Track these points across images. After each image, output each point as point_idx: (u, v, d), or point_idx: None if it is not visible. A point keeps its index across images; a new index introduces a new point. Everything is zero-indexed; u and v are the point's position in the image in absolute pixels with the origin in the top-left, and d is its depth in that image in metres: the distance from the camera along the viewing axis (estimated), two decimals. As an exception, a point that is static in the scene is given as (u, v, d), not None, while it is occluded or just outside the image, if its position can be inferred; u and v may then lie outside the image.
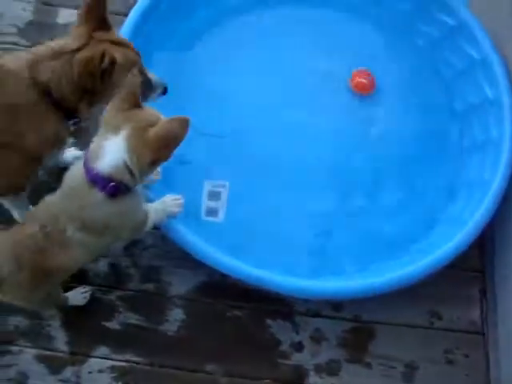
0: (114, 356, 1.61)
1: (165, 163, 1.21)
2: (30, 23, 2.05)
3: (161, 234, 1.67)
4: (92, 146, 1.19)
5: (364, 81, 1.94)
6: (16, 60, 1.30)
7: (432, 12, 1.95)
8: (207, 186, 1.76)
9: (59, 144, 1.43)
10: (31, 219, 1.28)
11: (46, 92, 1.29)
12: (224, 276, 1.64)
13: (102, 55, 1.26)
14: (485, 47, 1.82)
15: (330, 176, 1.83)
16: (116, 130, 1.15)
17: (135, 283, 1.68)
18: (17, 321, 1.62)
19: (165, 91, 1.49)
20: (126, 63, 1.31)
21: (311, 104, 1.92)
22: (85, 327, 1.63)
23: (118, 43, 1.33)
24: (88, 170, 1.17)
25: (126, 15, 1.98)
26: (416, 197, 1.82)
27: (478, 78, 1.85)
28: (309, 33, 2.01)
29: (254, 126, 1.85)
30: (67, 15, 2.06)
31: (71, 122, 1.38)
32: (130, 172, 1.17)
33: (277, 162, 1.82)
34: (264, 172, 1.79)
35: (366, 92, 1.94)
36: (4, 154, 1.33)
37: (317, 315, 1.69)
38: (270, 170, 1.80)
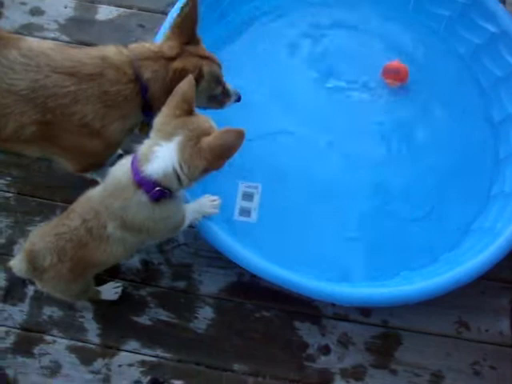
0: (143, 351, 1.64)
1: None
2: (70, 19, 2.09)
3: (194, 232, 1.70)
4: (143, 148, 1.21)
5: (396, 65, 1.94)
6: (119, 54, 1.38)
7: (473, 18, 1.92)
8: (241, 187, 1.77)
9: (132, 133, 1.51)
10: (73, 212, 1.31)
11: (143, 88, 1.37)
12: (254, 277, 1.66)
13: (200, 70, 1.39)
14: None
15: (361, 181, 1.83)
16: (169, 136, 1.17)
17: (167, 280, 1.71)
18: (51, 311, 1.67)
19: (239, 99, 1.60)
20: (211, 76, 1.45)
21: (345, 107, 1.92)
22: (116, 321, 1.67)
23: (206, 57, 1.44)
24: (136, 171, 1.18)
25: (163, 13, 2.02)
26: (449, 206, 1.81)
27: (517, 86, 1.82)
28: (343, 37, 2.02)
29: (288, 130, 1.87)
30: (107, 12, 2.09)
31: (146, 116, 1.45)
32: (179, 179, 1.18)
33: (310, 166, 1.83)
34: (296, 175, 1.80)
35: (398, 81, 1.94)
36: (89, 140, 1.41)
37: (345, 319, 1.69)
38: (303, 173, 1.81)
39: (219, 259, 1.69)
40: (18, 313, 1.67)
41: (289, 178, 1.79)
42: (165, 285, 1.71)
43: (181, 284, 1.71)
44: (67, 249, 1.29)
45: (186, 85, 1.21)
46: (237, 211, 1.75)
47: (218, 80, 1.49)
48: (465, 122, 1.92)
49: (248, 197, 1.77)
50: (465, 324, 1.70)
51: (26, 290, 1.69)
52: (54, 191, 1.81)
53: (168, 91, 1.27)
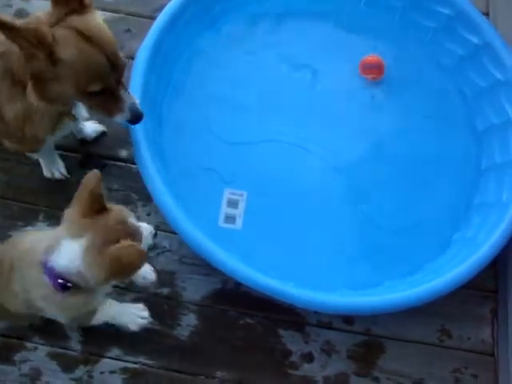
0: (125, 358, 1.62)
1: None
2: None
3: (178, 239, 1.69)
4: (53, 234, 1.15)
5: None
6: None
7: (457, 30, 1.95)
8: (226, 194, 1.77)
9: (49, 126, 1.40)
10: None
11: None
12: (238, 284, 1.66)
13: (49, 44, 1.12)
14: (509, 68, 1.82)
15: (346, 190, 1.84)
16: (76, 235, 1.10)
17: (150, 286, 1.69)
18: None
19: (135, 119, 1.36)
20: (77, 59, 1.17)
21: (332, 115, 1.94)
22: (98, 328, 1.64)
23: (86, 36, 1.17)
24: (44, 256, 1.13)
25: (151, 18, 2.02)
26: (431, 216, 1.82)
27: (500, 98, 1.85)
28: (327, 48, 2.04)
29: (274, 138, 1.87)
30: None
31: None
32: (84, 279, 1.12)
33: (293, 174, 1.83)
34: (282, 182, 1.81)
35: (375, 75, 1.98)
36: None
37: (328, 327, 1.70)
38: (288, 180, 1.81)
39: (203, 266, 1.69)
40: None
41: (274, 186, 1.79)
42: (148, 291, 1.69)
43: (164, 290, 1.70)
44: None
45: (91, 181, 1.12)
46: (221, 218, 1.75)
47: (94, 70, 1.20)
48: (448, 131, 1.94)
49: (233, 204, 1.76)
50: (447, 332, 1.72)
51: (7, 296, 1.66)
52: (37, 196, 1.79)
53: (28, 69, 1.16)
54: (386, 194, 1.84)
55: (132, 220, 1.17)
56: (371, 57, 2.01)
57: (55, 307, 1.24)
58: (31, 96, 1.24)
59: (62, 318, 1.36)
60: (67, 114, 1.43)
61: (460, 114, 1.96)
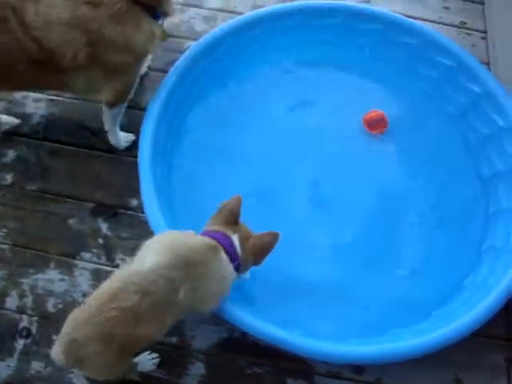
0: (134, 407, 1.61)
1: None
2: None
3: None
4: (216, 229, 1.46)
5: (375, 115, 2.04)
6: None
7: (459, 79, 2.01)
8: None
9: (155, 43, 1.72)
10: (123, 292, 1.30)
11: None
12: (246, 333, 1.65)
13: None
14: (510, 115, 1.86)
15: (352, 240, 1.85)
16: (231, 232, 1.44)
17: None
18: (39, 366, 1.64)
19: None
20: None
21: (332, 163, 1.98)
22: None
23: None
24: (228, 241, 1.43)
25: (163, 71, 2.10)
26: (440, 261, 1.81)
27: (504, 144, 1.88)
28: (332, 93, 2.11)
29: (276, 184, 1.92)
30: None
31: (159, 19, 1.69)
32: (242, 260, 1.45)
33: (302, 226, 1.85)
34: (291, 234, 1.78)
35: (382, 129, 2.02)
36: (122, 55, 1.64)
37: (337, 377, 1.66)
38: (296, 232, 1.81)
39: (211, 316, 1.69)
40: (5, 368, 1.64)
41: (284, 236, 1.79)
42: (157, 340, 1.68)
43: (173, 339, 1.69)
44: (116, 333, 1.28)
45: (234, 201, 1.49)
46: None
47: None
48: (455, 177, 1.96)
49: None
50: (460, 382, 1.67)
51: (16, 344, 1.67)
52: (48, 243, 1.83)
53: None
54: (393, 241, 1.84)
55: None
56: (374, 112, 2.06)
57: (226, 285, 1.45)
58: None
59: (207, 309, 1.51)
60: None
61: (466, 161, 1.99)
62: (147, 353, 1.62)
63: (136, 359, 1.57)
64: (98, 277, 1.76)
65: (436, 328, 1.56)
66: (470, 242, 1.84)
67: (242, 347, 1.69)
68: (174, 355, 1.67)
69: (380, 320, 1.71)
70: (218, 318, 1.61)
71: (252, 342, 1.67)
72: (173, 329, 1.67)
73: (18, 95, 2.08)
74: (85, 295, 1.72)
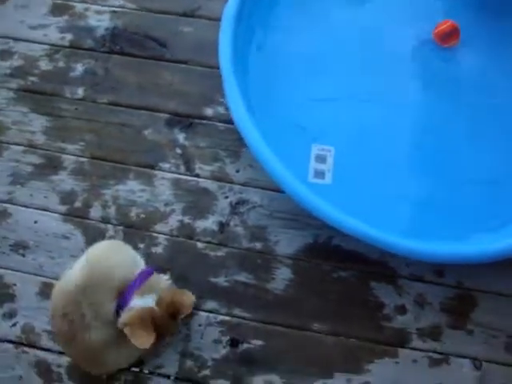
0: (222, 311, 1.64)
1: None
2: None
3: (268, 194, 1.71)
4: None
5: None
6: None
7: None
8: (314, 150, 1.77)
9: None
10: None
11: None
12: (329, 238, 1.67)
13: None
14: None
15: (434, 147, 1.82)
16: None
17: (243, 241, 1.72)
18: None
19: None
20: None
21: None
22: (194, 282, 1.67)
23: None
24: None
25: None
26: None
27: None
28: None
29: (360, 95, 1.87)
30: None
31: None
32: None
33: (379, 130, 1.82)
34: (369, 138, 1.80)
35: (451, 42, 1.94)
36: None
37: (420, 280, 1.69)
38: (377, 135, 1.81)
39: (295, 221, 1.70)
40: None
41: (363, 140, 1.79)
42: (241, 246, 1.71)
43: (257, 245, 1.71)
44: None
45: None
46: (311, 173, 1.75)
47: None
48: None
49: (321, 159, 1.76)
50: (541, 286, 1.70)
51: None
52: (125, 155, 1.83)
53: None
54: (477, 145, 1.81)
55: None
56: (445, 23, 1.95)
57: None
58: None
59: None
60: None
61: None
62: None
63: None
64: (179, 186, 1.77)
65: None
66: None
67: (327, 252, 1.70)
68: (259, 261, 1.70)
69: (463, 224, 1.71)
70: (301, 223, 1.62)
71: (335, 247, 1.70)
72: (256, 235, 1.71)
73: (79, 7, 2.02)
74: (166, 205, 1.74)
